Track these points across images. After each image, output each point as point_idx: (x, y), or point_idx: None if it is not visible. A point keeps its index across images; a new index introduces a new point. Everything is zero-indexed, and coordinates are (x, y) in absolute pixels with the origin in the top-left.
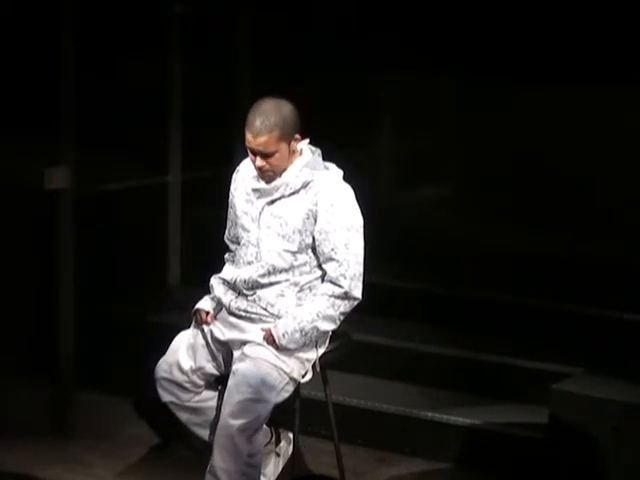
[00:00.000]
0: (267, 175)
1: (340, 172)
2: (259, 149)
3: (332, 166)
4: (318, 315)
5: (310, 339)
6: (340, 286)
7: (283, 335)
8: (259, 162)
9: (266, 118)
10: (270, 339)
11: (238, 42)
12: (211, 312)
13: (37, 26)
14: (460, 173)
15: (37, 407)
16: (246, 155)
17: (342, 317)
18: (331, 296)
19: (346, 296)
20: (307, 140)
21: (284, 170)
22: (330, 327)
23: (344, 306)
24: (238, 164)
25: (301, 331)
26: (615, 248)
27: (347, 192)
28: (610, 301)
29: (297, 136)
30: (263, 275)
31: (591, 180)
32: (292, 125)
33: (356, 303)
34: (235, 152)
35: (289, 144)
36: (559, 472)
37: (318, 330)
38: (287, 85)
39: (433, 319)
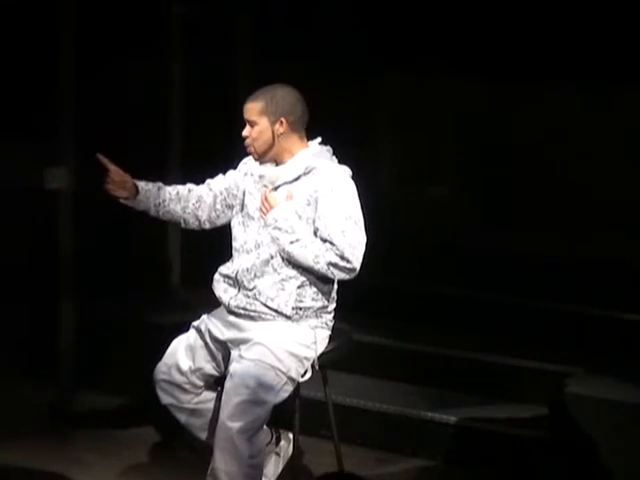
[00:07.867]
0: (250, 149)
1: (348, 169)
2: (245, 115)
3: (344, 166)
4: (314, 252)
5: (286, 252)
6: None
7: (274, 219)
8: (244, 131)
9: (259, 91)
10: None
11: (238, 41)
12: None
13: (37, 26)
14: (460, 173)
15: (37, 407)
16: (246, 155)
17: (325, 266)
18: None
19: (341, 259)
20: (319, 139)
21: (267, 151)
22: (306, 262)
23: (334, 260)
24: (238, 164)
25: (291, 242)
26: (615, 248)
27: (348, 183)
28: (610, 301)
29: (282, 119)
30: (265, 262)
31: (591, 180)
32: (279, 105)
33: (347, 274)
34: (235, 152)
35: (272, 123)
36: (559, 472)
37: (297, 251)
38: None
39: (433, 319)
